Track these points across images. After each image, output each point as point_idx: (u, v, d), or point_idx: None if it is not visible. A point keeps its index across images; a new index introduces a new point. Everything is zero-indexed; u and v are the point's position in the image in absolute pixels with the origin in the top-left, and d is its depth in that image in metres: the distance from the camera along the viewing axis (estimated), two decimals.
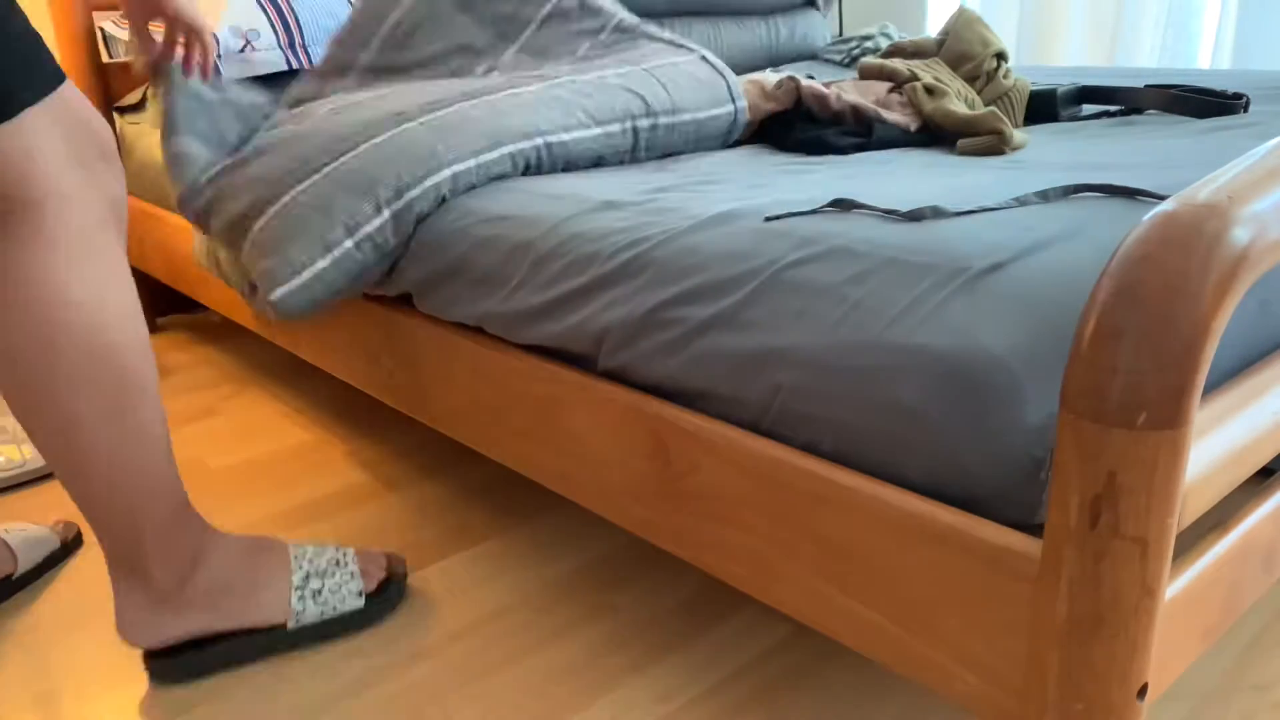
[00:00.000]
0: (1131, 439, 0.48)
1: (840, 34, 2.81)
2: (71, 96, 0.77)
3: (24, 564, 1.13)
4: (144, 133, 1.87)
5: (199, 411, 1.66)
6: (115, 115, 1.96)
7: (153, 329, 2.12)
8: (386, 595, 1.03)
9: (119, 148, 1.95)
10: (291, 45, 1.64)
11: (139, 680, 0.97)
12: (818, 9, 2.49)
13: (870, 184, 0.95)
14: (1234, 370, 0.70)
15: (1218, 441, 0.58)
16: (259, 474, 1.42)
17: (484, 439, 1.06)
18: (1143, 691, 0.54)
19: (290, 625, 0.96)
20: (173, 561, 0.91)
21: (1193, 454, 0.55)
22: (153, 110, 1.90)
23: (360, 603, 0.99)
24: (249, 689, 0.95)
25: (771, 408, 0.73)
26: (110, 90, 1.93)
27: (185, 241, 1.68)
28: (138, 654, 1.01)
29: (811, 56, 2.42)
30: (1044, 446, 0.59)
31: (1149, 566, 0.51)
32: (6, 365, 0.79)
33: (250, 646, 0.96)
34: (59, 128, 0.75)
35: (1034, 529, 0.60)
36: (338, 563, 1.00)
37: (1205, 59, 2.17)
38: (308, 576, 0.97)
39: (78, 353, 0.78)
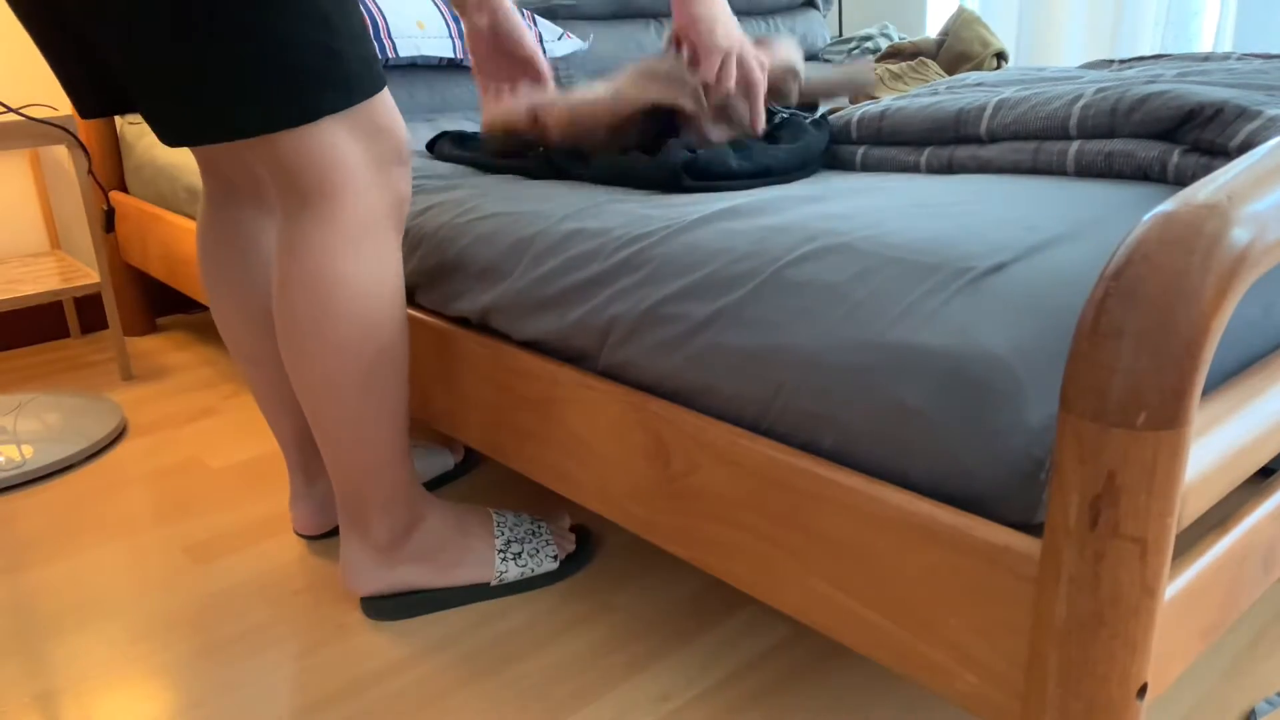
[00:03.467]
0: (1131, 439, 0.48)
1: (840, 34, 2.81)
2: (376, 106, 0.86)
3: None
4: (144, 133, 1.87)
5: (199, 411, 1.66)
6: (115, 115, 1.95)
7: (153, 329, 2.12)
8: (577, 560, 1.13)
9: (118, 147, 1.95)
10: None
11: (139, 680, 0.97)
12: (817, 9, 2.49)
13: (899, 194, 0.95)
14: (1234, 372, 0.70)
15: (1218, 441, 0.58)
16: (259, 474, 1.42)
17: (484, 439, 1.06)
18: (1142, 691, 0.54)
19: (493, 583, 1.07)
20: (392, 522, 1.01)
21: (1192, 454, 0.55)
22: None
23: (555, 565, 1.10)
24: (249, 688, 0.95)
25: (773, 406, 0.73)
26: None
27: (185, 241, 1.68)
28: (138, 654, 1.01)
29: (812, 57, 2.42)
30: (1044, 447, 0.59)
31: (1149, 566, 0.51)
32: (287, 325, 0.90)
33: (458, 597, 1.07)
34: (360, 133, 0.85)
35: (1034, 529, 0.60)
36: (534, 532, 1.11)
37: None
38: (509, 542, 1.08)
39: (343, 321, 0.89)
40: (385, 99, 0.88)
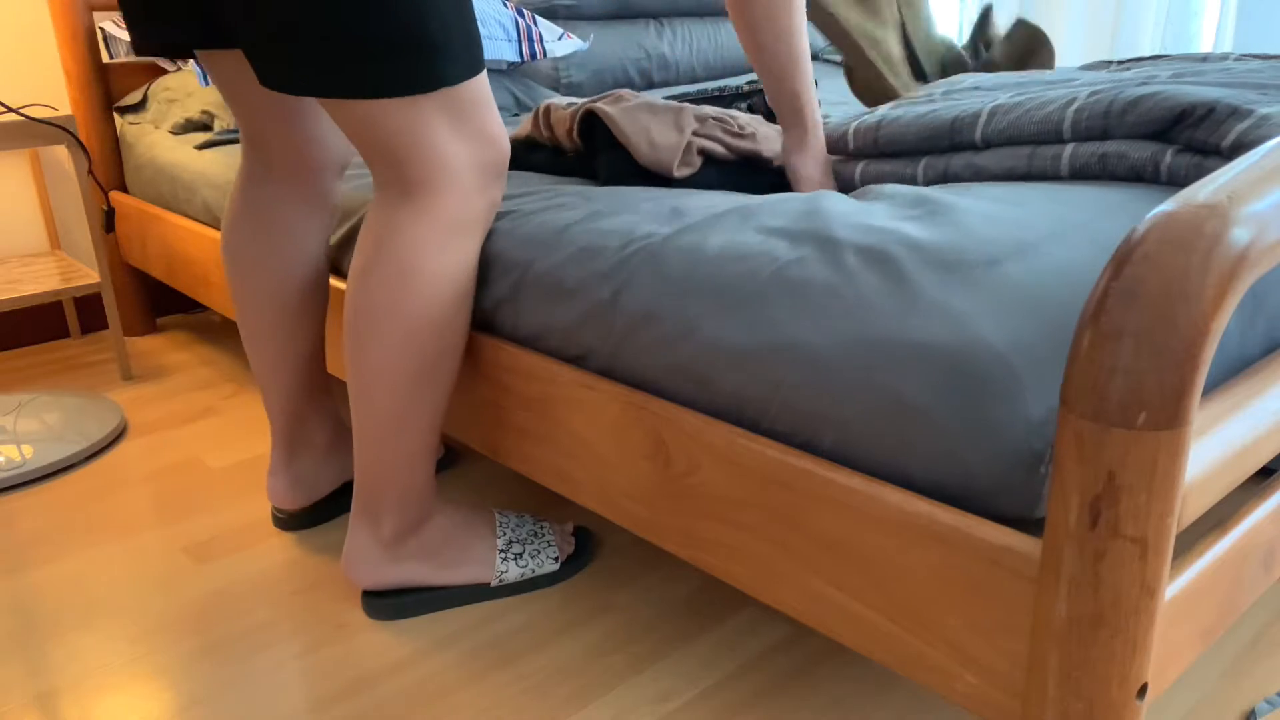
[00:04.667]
0: (1131, 439, 0.48)
1: None
2: (485, 114, 0.88)
3: None
4: (144, 132, 1.87)
5: (199, 411, 1.66)
6: (115, 115, 1.95)
7: (153, 329, 2.12)
8: (577, 561, 1.13)
9: (118, 147, 1.95)
10: None
11: (139, 680, 0.97)
12: None
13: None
14: (1234, 371, 0.70)
15: (1218, 441, 0.58)
16: (259, 474, 1.42)
17: (484, 439, 1.06)
18: (1142, 691, 0.54)
19: (493, 584, 1.08)
20: (403, 516, 1.01)
21: (1193, 454, 0.55)
22: (153, 110, 1.90)
23: (555, 567, 1.11)
24: (249, 688, 0.95)
25: (772, 405, 0.73)
26: (110, 90, 1.93)
27: (185, 241, 1.68)
28: (138, 654, 1.01)
29: (812, 56, 2.42)
30: (1044, 439, 0.59)
31: (1149, 566, 0.51)
32: (360, 311, 0.90)
33: (458, 597, 1.07)
34: (469, 136, 0.87)
35: (1034, 524, 0.60)
36: (536, 534, 1.12)
37: None
38: (510, 542, 1.09)
39: (415, 315, 0.89)
40: (493, 109, 0.89)
